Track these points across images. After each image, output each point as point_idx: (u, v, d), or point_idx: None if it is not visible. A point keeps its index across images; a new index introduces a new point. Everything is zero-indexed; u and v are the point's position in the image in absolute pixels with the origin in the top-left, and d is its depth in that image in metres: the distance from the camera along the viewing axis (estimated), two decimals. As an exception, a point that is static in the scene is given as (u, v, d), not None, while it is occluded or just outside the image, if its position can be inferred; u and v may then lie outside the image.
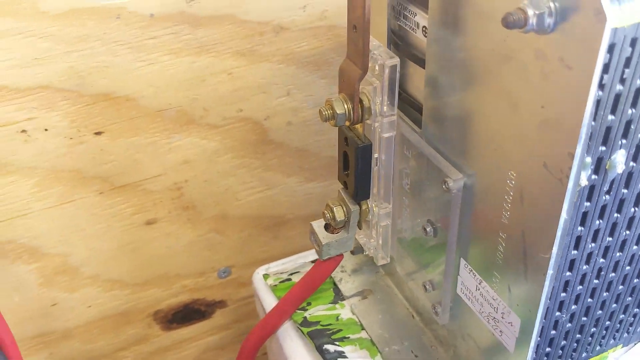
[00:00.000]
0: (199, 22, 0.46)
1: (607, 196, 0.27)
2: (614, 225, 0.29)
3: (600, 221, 0.28)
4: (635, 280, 0.33)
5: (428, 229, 0.36)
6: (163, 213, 0.54)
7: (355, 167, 0.36)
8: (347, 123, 0.35)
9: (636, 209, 0.29)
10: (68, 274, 0.53)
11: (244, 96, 0.51)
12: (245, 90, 0.50)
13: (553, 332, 0.33)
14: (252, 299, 0.64)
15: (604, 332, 0.36)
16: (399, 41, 0.35)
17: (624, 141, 0.25)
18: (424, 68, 0.33)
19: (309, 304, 0.46)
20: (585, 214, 0.27)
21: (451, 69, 0.30)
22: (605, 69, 0.22)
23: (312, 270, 0.43)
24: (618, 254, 0.31)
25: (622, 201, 0.28)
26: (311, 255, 0.51)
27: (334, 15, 0.50)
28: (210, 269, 0.60)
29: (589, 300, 0.32)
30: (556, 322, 0.32)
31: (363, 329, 0.44)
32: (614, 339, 0.37)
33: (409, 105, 0.36)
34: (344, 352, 0.42)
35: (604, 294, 0.33)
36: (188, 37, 0.46)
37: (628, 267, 0.32)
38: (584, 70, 0.22)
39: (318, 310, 0.45)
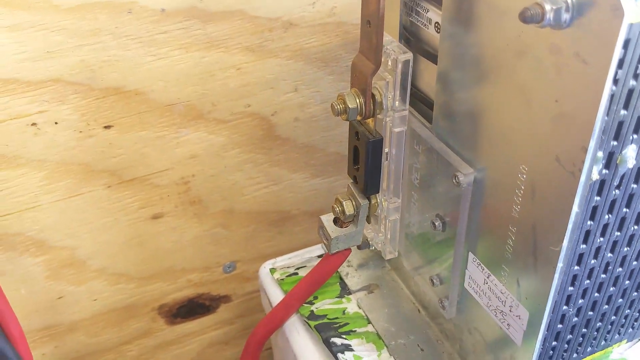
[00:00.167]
0: (210, 17, 0.46)
1: (617, 191, 0.28)
2: (623, 220, 0.30)
3: (610, 216, 0.29)
4: (641, 275, 0.34)
5: (437, 224, 0.36)
6: (170, 207, 0.54)
7: (365, 162, 0.36)
8: (359, 117, 0.35)
9: (645, 204, 0.29)
10: (75, 267, 0.54)
11: (252, 91, 0.51)
12: (253, 86, 0.51)
13: (560, 326, 0.33)
14: (257, 294, 0.65)
15: (610, 326, 0.36)
16: (410, 37, 0.36)
17: (635, 136, 0.26)
18: (435, 64, 0.33)
19: (315, 297, 0.46)
20: (595, 208, 0.28)
21: (464, 64, 0.31)
22: (620, 64, 0.23)
23: (320, 265, 0.43)
24: (626, 249, 0.31)
25: (631, 196, 0.29)
26: (317, 250, 0.51)
27: (343, 12, 0.50)
28: (215, 263, 0.60)
29: (596, 294, 0.33)
30: (563, 316, 0.33)
31: (369, 322, 0.44)
32: (619, 334, 0.38)
33: (419, 101, 0.36)
34: (350, 345, 0.42)
35: (611, 289, 0.33)
36: (198, 32, 0.46)
37: (635, 262, 0.33)
38: (599, 65, 0.22)
39: (325, 304, 0.46)
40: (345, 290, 0.47)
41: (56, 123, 0.46)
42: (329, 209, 0.41)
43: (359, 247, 0.43)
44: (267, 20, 0.48)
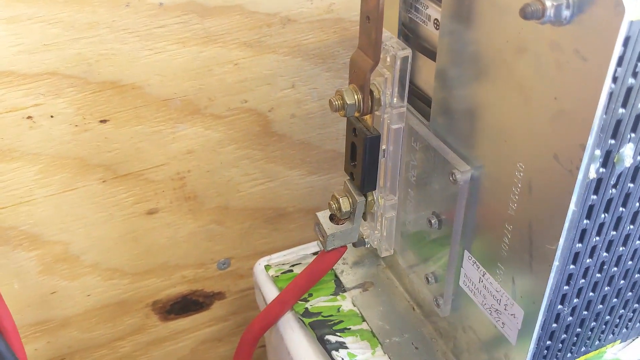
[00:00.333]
0: (208, 12, 0.46)
1: (613, 190, 0.28)
2: (619, 219, 0.30)
3: (606, 215, 0.29)
4: (636, 276, 0.34)
5: (433, 221, 0.36)
6: (164, 203, 0.54)
7: (362, 158, 0.36)
8: (357, 114, 0.35)
9: (641, 203, 0.29)
10: (68, 262, 0.53)
11: (249, 87, 0.51)
12: (250, 81, 0.51)
13: (554, 325, 0.33)
14: (251, 291, 0.65)
15: (604, 326, 0.36)
16: (409, 33, 0.36)
17: (633, 135, 0.26)
18: (433, 60, 0.33)
19: (310, 295, 0.46)
20: (591, 207, 0.28)
21: (463, 61, 0.30)
22: (620, 61, 0.23)
23: (315, 262, 0.43)
24: (621, 249, 0.31)
25: (627, 195, 0.29)
26: (313, 247, 0.51)
27: (341, 9, 0.50)
28: (210, 260, 0.60)
29: (591, 294, 0.33)
30: (558, 315, 0.33)
31: (364, 320, 0.44)
32: (613, 334, 0.38)
33: (416, 98, 0.36)
34: (345, 343, 0.42)
35: (606, 288, 0.33)
36: (196, 26, 0.46)
37: (630, 262, 0.33)
38: (599, 62, 0.22)
39: (319, 302, 0.46)
40: (340, 288, 0.47)
41: (52, 116, 0.46)
42: (325, 207, 0.41)
43: (354, 245, 0.43)
44: (265, 15, 0.48)
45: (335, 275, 0.48)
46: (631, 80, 0.24)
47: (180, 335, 0.64)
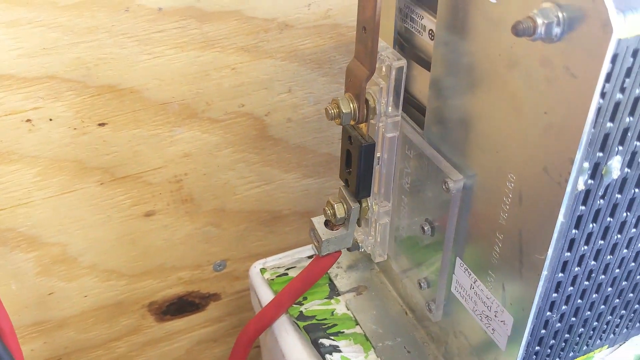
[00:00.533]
0: (206, 17, 0.46)
1: (601, 200, 0.28)
2: (607, 229, 0.30)
3: (594, 225, 0.29)
4: (623, 283, 0.34)
5: (426, 228, 0.37)
6: (162, 205, 0.55)
7: (357, 166, 0.37)
8: (352, 122, 0.36)
9: (628, 213, 0.30)
10: (66, 264, 0.54)
11: (246, 91, 0.51)
12: (247, 86, 0.51)
13: (543, 331, 0.34)
14: (246, 293, 0.65)
15: (592, 332, 0.37)
16: (404, 42, 0.36)
17: (620, 148, 0.26)
18: (428, 70, 0.34)
19: (305, 298, 0.47)
20: (580, 218, 0.28)
21: (457, 72, 0.31)
22: (608, 78, 0.23)
23: (311, 266, 0.44)
24: (609, 257, 0.32)
25: (615, 206, 0.29)
26: (308, 250, 0.51)
27: (338, 14, 0.51)
28: (206, 261, 0.61)
29: (579, 301, 0.33)
30: (546, 321, 0.33)
31: (357, 324, 0.45)
32: (601, 339, 0.38)
33: (411, 106, 0.37)
34: (338, 347, 0.43)
35: (594, 296, 0.34)
36: (194, 31, 0.47)
37: (617, 270, 0.33)
38: (588, 78, 0.23)
39: (314, 305, 0.46)
40: (334, 292, 0.47)
41: (51, 120, 0.46)
42: (320, 209, 0.41)
43: (349, 249, 0.43)
44: (263, 21, 0.49)
45: (330, 279, 0.48)
46: (619, 96, 0.24)
47: (175, 336, 0.65)
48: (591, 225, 0.29)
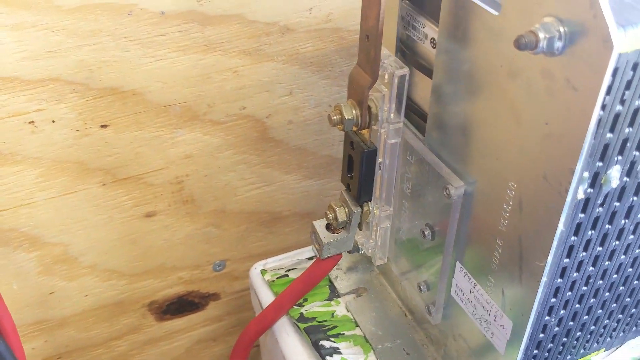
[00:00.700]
0: (208, 20, 0.47)
1: (600, 209, 0.29)
2: (605, 236, 0.31)
3: (592, 232, 0.30)
4: (620, 288, 0.35)
5: (426, 232, 0.37)
6: (163, 206, 0.55)
7: (359, 171, 0.37)
8: (354, 128, 0.36)
9: (626, 220, 0.31)
10: (67, 264, 0.54)
11: (247, 94, 0.52)
12: (249, 89, 0.52)
13: (541, 335, 0.34)
14: (245, 293, 0.66)
15: (589, 336, 0.37)
16: (406, 50, 0.36)
17: (619, 157, 0.27)
18: (429, 77, 0.34)
19: (305, 300, 0.47)
20: (579, 225, 0.29)
21: (458, 80, 0.31)
22: (608, 90, 0.24)
23: (312, 268, 0.44)
24: (607, 263, 0.32)
25: (613, 213, 0.30)
26: (308, 251, 0.52)
27: (339, 18, 0.51)
28: (206, 262, 0.61)
29: (577, 305, 0.34)
30: (545, 326, 0.34)
31: (357, 326, 0.45)
32: (598, 342, 0.39)
33: (413, 112, 0.37)
34: (338, 348, 0.43)
35: (591, 300, 0.34)
36: (197, 35, 0.47)
37: (615, 275, 0.34)
38: (589, 91, 0.23)
39: (314, 307, 0.47)
40: (334, 293, 0.48)
41: (53, 121, 0.46)
42: (320, 211, 0.42)
43: (349, 251, 0.43)
44: (264, 24, 0.49)
45: (330, 281, 0.49)
46: (619, 107, 0.25)
47: (175, 335, 0.65)
48: (590, 232, 0.30)
